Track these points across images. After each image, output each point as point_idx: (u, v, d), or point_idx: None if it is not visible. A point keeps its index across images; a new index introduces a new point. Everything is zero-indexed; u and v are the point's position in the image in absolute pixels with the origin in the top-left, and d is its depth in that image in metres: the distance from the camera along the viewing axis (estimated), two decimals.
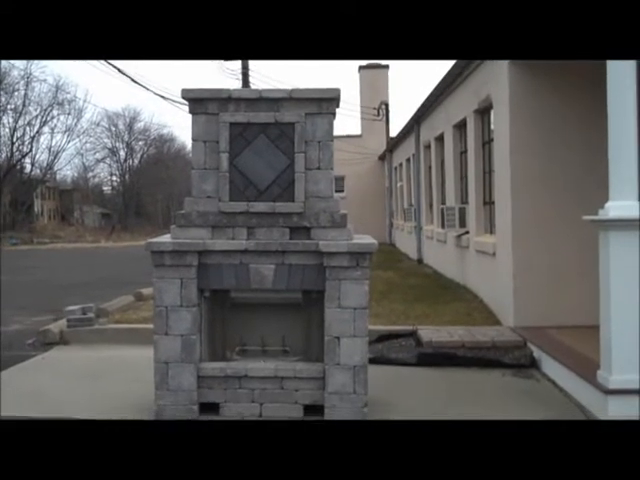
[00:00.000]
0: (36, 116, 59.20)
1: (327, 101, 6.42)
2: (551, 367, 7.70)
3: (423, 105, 17.16)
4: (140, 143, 73.99)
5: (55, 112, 60.89)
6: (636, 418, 5.90)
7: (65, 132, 63.64)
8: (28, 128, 59.16)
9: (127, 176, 72.63)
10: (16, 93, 56.72)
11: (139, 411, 6.41)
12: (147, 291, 12.46)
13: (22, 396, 6.97)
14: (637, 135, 6.12)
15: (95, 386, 7.43)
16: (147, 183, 70.07)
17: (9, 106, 57.02)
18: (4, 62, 49.08)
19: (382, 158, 32.19)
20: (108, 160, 72.91)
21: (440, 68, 18.60)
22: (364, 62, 33.27)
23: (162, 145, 75.76)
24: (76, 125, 65.85)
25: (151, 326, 6.65)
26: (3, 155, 57.67)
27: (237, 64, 25.62)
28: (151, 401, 6.33)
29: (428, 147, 18.45)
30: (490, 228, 11.69)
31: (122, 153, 72.54)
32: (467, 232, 12.93)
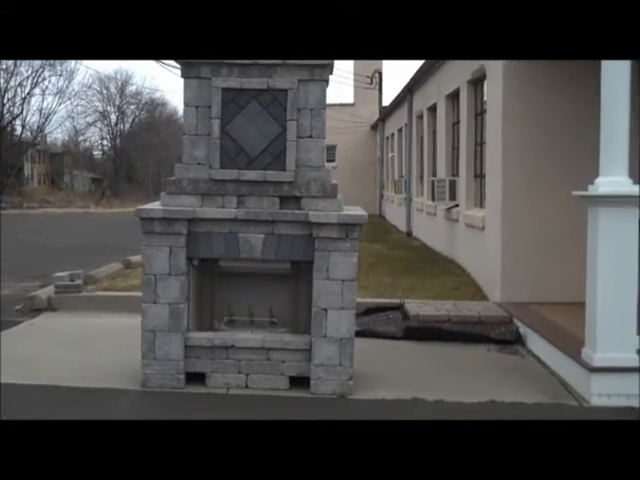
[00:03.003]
0: (27, 77, 58.54)
1: (320, 68, 6.33)
2: (536, 343, 7.74)
3: (416, 74, 17.02)
4: (132, 107, 73.42)
5: (46, 73, 60.22)
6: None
7: (56, 94, 63.02)
8: (19, 89, 58.53)
9: (118, 140, 72.08)
10: None
11: (126, 379, 6.42)
12: (136, 258, 12.40)
13: (10, 362, 6.93)
14: (629, 111, 6.10)
15: (82, 353, 7.43)
16: (138, 148, 69.54)
17: (0, 66, 56.43)
18: None
19: (374, 127, 32.04)
20: (99, 124, 72.32)
21: None
22: None
23: (154, 109, 75.09)
24: (67, 87, 65.58)
25: (139, 294, 6.63)
26: None
27: None
28: (138, 369, 6.33)
29: (420, 117, 18.35)
30: (480, 202, 11.67)
31: (113, 117, 71.98)
32: (457, 205, 12.91)
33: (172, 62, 6.74)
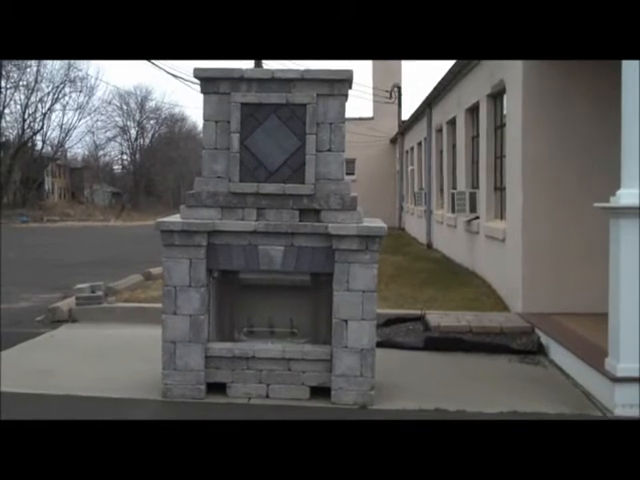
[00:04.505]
0: (48, 93, 59.29)
1: (339, 82, 6.38)
2: (558, 354, 7.69)
3: (435, 88, 17.05)
4: (151, 122, 74.02)
5: (67, 89, 60.95)
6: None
7: (76, 110, 63.87)
8: (40, 105, 59.30)
9: (138, 155, 72.66)
10: (28, 69, 56.69)
11: (147, 390, 6.45)
12: (156, 270, 12.50)
13: (31, 373, 7.02)
14: None
15: (103, 364, 7.46)
16: (158, 162, 70.08)
17: (21, 82, 57.07)
18: None
19: (394, 141, 32.07)
20: (119, 139, 73.04)
21: None
22: None
23: (173, 124, 75.64)
24: (87, 103, 65.91)
25: (160, 305, 6.67)
26: (15, 132, 57.87)
27: None
28: (159, 380, 6.35)
29: (440, 131, 18.34)
30: (500, 214, 11.64)
31: (133, 132, 72.65)
32: (477, 217, 12.89)
33: (192, 77, 6.76)
